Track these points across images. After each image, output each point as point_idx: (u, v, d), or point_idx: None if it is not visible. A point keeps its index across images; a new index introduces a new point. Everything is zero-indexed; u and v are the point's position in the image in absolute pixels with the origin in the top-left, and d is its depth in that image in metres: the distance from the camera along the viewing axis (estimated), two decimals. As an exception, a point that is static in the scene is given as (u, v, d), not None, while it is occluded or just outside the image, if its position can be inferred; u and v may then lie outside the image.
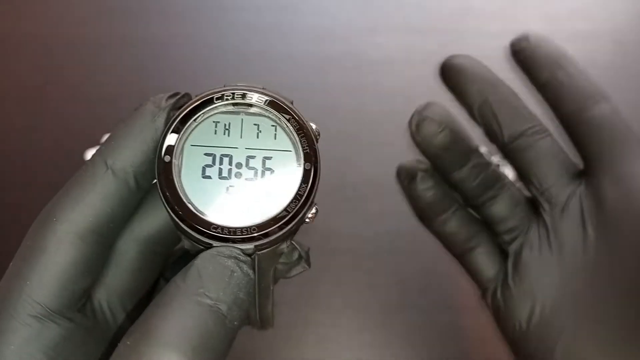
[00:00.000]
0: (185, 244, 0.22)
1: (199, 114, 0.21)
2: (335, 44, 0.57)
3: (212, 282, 0.18)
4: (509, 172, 0.30)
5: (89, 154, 0.50)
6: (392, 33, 0.58)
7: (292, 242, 0.23)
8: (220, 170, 0.21)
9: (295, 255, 0.25)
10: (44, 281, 0.19)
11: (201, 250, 0.20)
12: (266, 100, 0.22)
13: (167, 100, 0.21)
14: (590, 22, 0.58)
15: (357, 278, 0.46)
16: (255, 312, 0.26)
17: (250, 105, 0.22)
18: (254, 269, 0.20)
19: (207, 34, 0.58)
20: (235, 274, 0.19)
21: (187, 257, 0.20)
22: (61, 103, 0.54)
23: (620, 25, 0.58)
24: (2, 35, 0.57)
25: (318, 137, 0.22)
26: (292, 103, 0.22)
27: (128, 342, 0.17)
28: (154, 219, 0.22)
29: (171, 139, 0.21)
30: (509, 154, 0.29)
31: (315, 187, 0.21)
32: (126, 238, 0.22)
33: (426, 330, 0.44)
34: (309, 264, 0.25)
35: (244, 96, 0.22)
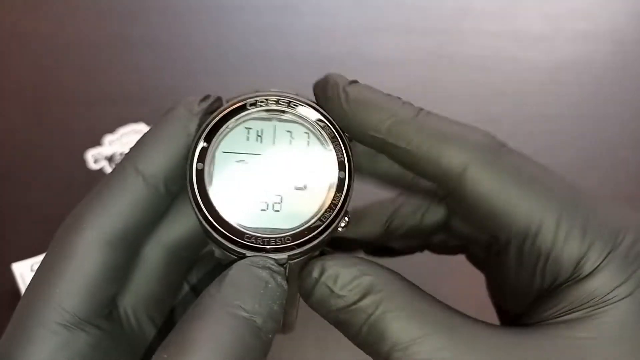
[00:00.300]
0: (217, 252, 0.21)
1: (231, 120, 0.21)
2: (335, 44, 0.57)
3: (247, 293, 0.18)
4: None
5: (89, 154, 0.50)
6: (392, 33, 0.58)
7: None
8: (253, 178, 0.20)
9: None
10: (73, 288, 0.19)
11: (233, 260, 0.19)
12: (299, 106, 0.21)
13: (199, 104, 0.21)
14: (590, 22, 0.58)
15: (357, 278, 0.46)
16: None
17: (284, 111, 0.21)
18: (286, 279, 0.20)
19: (207, 34, 0.58)
20: (269, 285, 0.18)
21: (216, 267, 0.20)
22: (61, 103, 0.54)
23: (620, 25, 0.58)
24: (2, 35, 0.57)
25: (350, 144, 0.21)
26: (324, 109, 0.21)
27: (165, 356, 0.17)
28: (181, 224, 0.22)
29: (202, 144, 0.20)
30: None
31: (349, 196, 0.20)
32: (152, 244, 0.21)
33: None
34: None
35: (277, 102, 0.21)
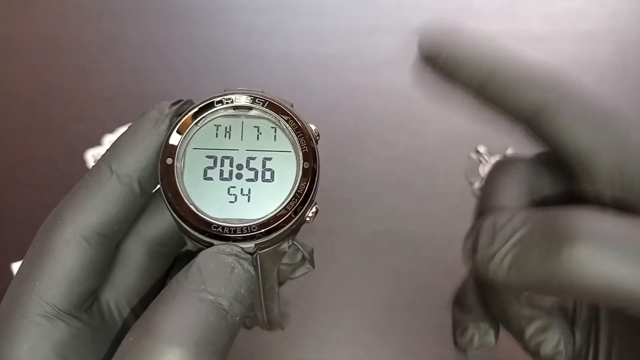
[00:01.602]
0: (189, 244, 0.22)
1: (200, 117, 0.22)
2: (335, 44, 0.57)
3: (213, 278, 0.19)
4: None
5: (89, 154, 0.50)
6: (392, 33, 0.58)
7: (295, 243, 0.24)
8: (222, 171, 0.22)
9: (299, 256, 0.25)
10: (52, 281, 0.20)
11: (202, 249, 0.20)
12: (265, 102, 0.22)
13: (170, 107, 0.22)
14: (590, 22, 0.58)
15: (357, 278, 0.46)
16: (262, 314, 0.26)
17: (250, 108, 0.22)
18: (255, 267, 0.20)
19: (207, 34, 0.58)
20: (235, 270, 0.19)
21: (190, 258, 0.21)
22: (61, 103, 0.54)
23: (620, 25, 0.58)
24: (2, 35, 0.57)
25: (318, 138, 0.22)
26: (292, 106, 0.23)
27: (131, 338, 0.18)
28: (159, 221, 0.23)
29: (173, 142, 0.21)
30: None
31: (314, 186, 0.21)
32: (132, 240, 0.23)
33: (426, 330, 0.44)
34: (313, 265, 0.25)
35: (243, 100, 0.22)
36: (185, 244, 0.23)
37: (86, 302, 0.21)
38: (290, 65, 0.56)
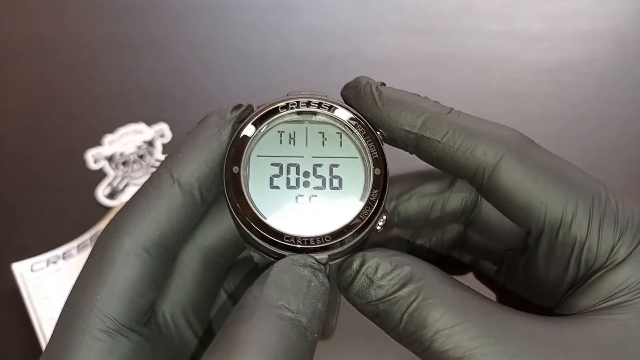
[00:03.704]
0: (255, 257, 0.21)
1: (263, 124, 0.21)
2: (335, 44, 0.57)
3: (291, 293, 0.18)
4: None
5: (89, 154, 0.50)
6: (392, 33, 0.58)
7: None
8: (288, 180, 0.21)
9: None
10: (113, 295, 0.19)
11: (272, 262, 0.19)
12: (331, 107, 0.21)
13: (231, 112, 0.21)
14: (590, 22, 0.58)
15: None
16: None
17: (315, 113, 0.21)
18: (328, 278, 0.19)
19: (207, 34, 0.58)
20: (312, 283, 0.18)
21: (252, 272, 0.20)
22: (61, 103, 0.54)
23: (620, 25, 0.58)
24: (2, 35, 0.57)
25: (383, 143, 0.21)
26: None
27: (214, 358, 0.17)
28: (216, 230, 0.22)
29: (237, 150, 0.20)
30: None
31: (385, 193, 0.20)
32: (189, 250, 0.22)
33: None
34: None
35: (308, 104, 0.21)
36: (240, 252, 0.22)
37: (145, 315, 0.20)
38: (290, 65, 0.56)
